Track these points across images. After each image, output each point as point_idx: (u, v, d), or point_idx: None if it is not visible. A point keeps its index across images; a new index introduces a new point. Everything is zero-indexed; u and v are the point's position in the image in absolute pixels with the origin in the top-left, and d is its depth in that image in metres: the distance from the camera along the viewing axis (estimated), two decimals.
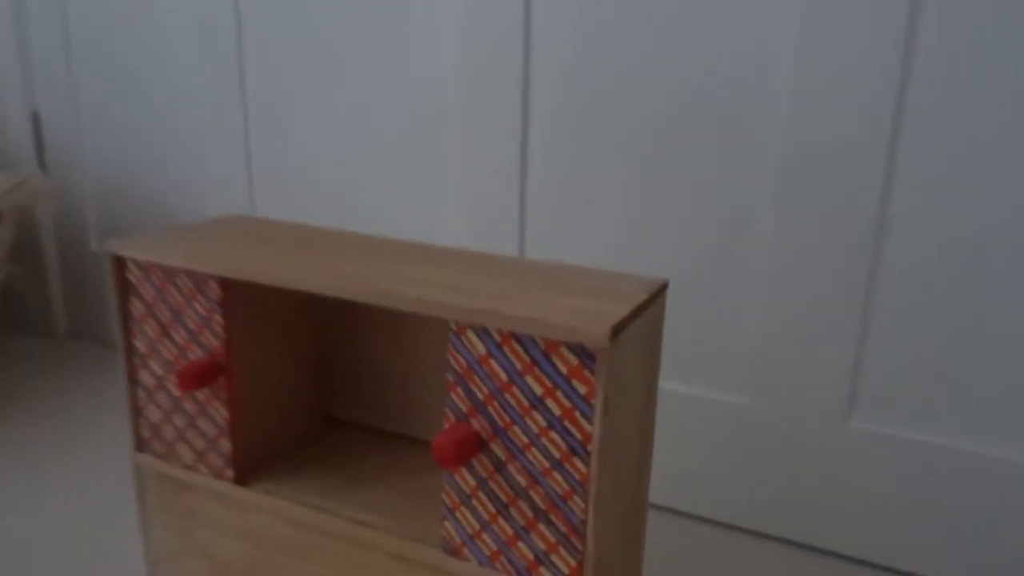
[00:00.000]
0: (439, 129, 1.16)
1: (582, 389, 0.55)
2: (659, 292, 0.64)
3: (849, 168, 0.89)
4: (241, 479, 0.74)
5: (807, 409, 0.98)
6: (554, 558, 0.59)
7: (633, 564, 0.69)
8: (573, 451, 0.56)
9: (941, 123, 0.84)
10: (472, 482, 0.61)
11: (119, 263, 0.72)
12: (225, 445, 0.72)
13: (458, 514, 0.62)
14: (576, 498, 0.57)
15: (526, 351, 0.56)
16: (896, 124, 0.86)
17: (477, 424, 0.59)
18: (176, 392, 0.73)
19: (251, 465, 0.76)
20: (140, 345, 0.74)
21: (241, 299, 0.71)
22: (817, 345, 0.95)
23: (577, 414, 0.56)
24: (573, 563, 0.58)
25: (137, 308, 0.73)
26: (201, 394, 0.72)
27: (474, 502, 0.61)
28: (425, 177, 1.19)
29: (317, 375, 0.84)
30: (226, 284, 0.68)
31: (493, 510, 0.60)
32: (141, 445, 0.77)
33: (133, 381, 0.75)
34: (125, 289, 0.73)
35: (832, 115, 0.88)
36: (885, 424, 0.95)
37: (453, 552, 0.63)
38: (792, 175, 0.91)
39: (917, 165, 0.87)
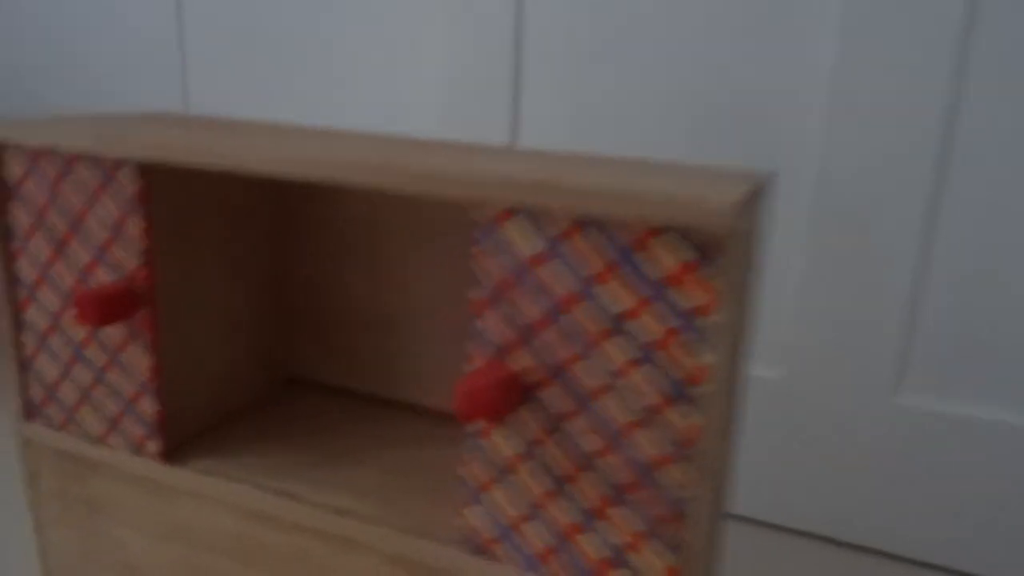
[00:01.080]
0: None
1: (689, 301, 0.36)
2: (767, 183, 0.46)
3: (903, 128, 0.72)
4: (171, 455, 0.54)
5: (849, 383, 0.81)
6: (635, 558, 0.40)
7: (716, 563, 0.51)
8: (674, 396, 0.38)
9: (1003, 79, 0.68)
10: (513, 449, 0.42)
11: None
12: (148, 407, 0.52)
13: (489, 496, 0.43)
14: (674, 467, 0.39)
15: (602, 246, 0.37)
16: (957, 87, 0.70)
17: (520, 363, 0.40)
18: (76, 335, 0.52)
19: (184, 436, 0.55)
20: (27, 271, 0.53)
21: (169, 198, 0.50)
22: (861, 309, 0.78)
23: (680, 340, 0.37)
24: (667, 563, 0.40)
25: (22, 218, 0.52)
26: (113, 336, 0.51)
27: (515, 478, 0.42)
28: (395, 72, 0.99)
29: (275, 319, 0.64)
30: (147, 173, 0.48)
31: (544, 489, 0.41)
32: (30, 411, 0.56)
33: (18, 322, 0.54)
34: (4, 192, 0.52)
35: (880, 78, 0.71)
36: (938, 399, 0.79)
37: (480, 550, 0.44)
38: (842, 128, 0.74)
39: (976, 123, 0.71)
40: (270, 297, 0.62)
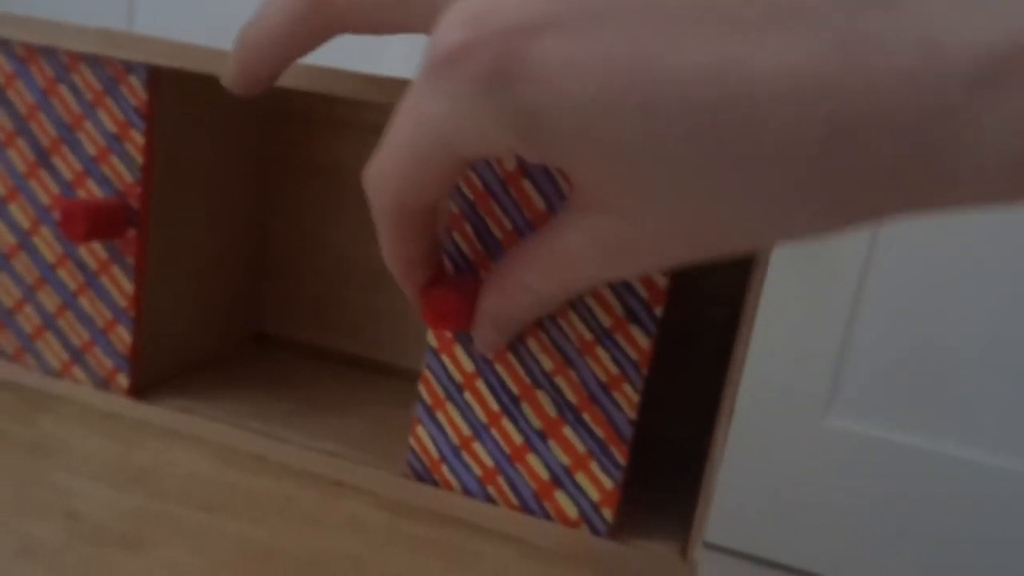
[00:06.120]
0: None
1: None
2: None
3: None
4: (141, 391, 0.53)
5: (781, 406, 0.83)
6: (579, 477, 0.41)
7: None
8: (632, 315, 0.39)
9: None
10: (469, 366, 0.43)
11: None
12: (121, 337, 0.52)
13: (440, 415, 0.44)
14: (626, 387, 0.40)
15: None
16: None
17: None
18: (48, 256, 0.53)
19: (157, 376, 0.55)
20: None
21: (171, 115, 0.52)
22: (797, 335, 0.81)
23: None
24: (609, 484, 0.40)
25: (2, 124, 0.52)
26: (94, 257, 0.52)
27: (467, 396, 0.43)
28: None
29: (250, 267, 0.64)
30: (158, 79, 0.50)
31: (496, 408, 0.42)
32: None
33: None
34: None
35: None
36: (865, 424, 0.81)
37: (422, 474, 0.44)
38: None
39: None
40: (249, 242, 0.63)
